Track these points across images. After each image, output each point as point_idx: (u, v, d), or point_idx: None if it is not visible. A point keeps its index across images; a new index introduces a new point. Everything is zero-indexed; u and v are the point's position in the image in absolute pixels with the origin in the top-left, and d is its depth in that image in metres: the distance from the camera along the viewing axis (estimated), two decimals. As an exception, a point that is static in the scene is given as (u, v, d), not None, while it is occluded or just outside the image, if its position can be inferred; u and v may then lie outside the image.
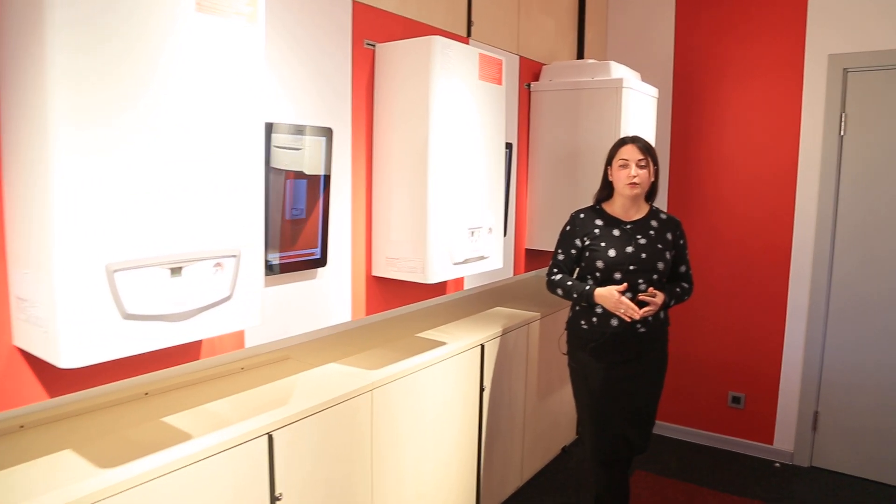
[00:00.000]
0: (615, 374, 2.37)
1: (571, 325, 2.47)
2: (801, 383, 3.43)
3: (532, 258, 3.28)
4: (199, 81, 1.33)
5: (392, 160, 2.17)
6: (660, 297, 2.28)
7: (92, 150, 1.17)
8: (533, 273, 3.63)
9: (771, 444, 3.55)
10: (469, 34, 2.67)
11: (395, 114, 2.15)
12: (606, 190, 2.45)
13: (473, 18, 2.69)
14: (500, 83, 2.41)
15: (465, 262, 2.32)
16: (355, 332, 2.57)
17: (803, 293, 3.39)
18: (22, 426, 1.61)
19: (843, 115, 3.21)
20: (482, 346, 2.65)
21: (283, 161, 1.82)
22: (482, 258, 2.42)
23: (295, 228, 1.89)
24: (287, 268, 1.88)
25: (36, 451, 1.50)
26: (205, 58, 1.34)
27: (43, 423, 1.65)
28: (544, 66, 3.18)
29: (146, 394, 1.86)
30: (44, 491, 1.31)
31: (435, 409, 2.38)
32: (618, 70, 3.00)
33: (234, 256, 1.45)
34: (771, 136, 3.42)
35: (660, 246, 2.36)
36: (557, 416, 3.37)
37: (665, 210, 2.99)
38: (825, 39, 3.23)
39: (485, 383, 2.69)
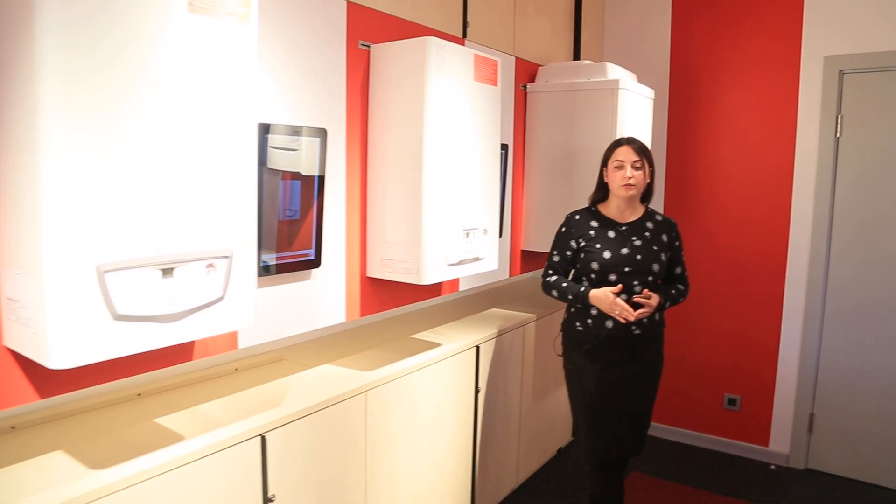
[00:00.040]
0: (610, 376, 2.37)
1: (567, 327, 2.47)
2: (797, 385, 3.43)
3: (528, 259, 3.28)
4: (192, 82, 1.33)
5: (387, 161, 2.17)
6: (655, 299, 2.28)
7: (82, 151, 1.17)
8: (529, 274, 3.63)
9: (767, 446, 3.56)
10: (465, 35, 2.67)
11: (390, 114, 2.15)
12: (602, 191, 2.45)
13: (469, 19, 2.69)
14: (495, 84, 2.41)
15: (460, 263, 2.32)
16: (350, 334, 2.57)
17: (799, 295, 3.39)
18: (14, 427, 1.61)
19: (840, 116, 3.22)
20: (477, 348, 2.65)
21: (277, 162, 1.81)
22: (477, 259, 2.41)
23: (288, 229, 1.89)
24: (281, 269, 1.88)
25: (28, 451, 1.50)
26: (197, 59, 1.34)
27: (35, 423, 1.65)
28: (540, 68, 3.18)
29: (139, 394, 1.86)
30: (36, 491, 1.30)
31: (429, 410, 2.38)
32: (614, 71, 3.00)
33: (227, 257, 1.45)
34: (767, 138, 3.42)
35: (655, 248, 2.36)
36: (553, 417, 3.37)
37: (661, 212, 2.99)
38: (821, 41, 3.23)
39: (480, 385, 2.69)
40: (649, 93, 3.28)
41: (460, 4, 2.64)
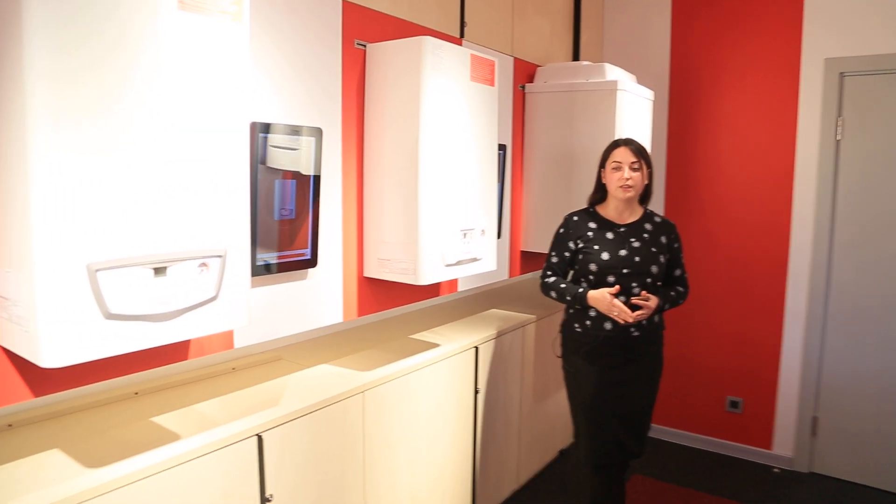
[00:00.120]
0: (609, 378, 2.35)
1: (565, 329, 2.46)
2: (800, 388, 3.41)
3: (527, 260, 3.27)
4: (183, 81, 1.33)
5: (383, 161, 2.17)
6: (653, 301, 2.26)
7: (73, 150, 1.17)
8: (529, 275, 3.62)
9: (770, 449, 3.53)
10: (462, 35, 2.68)
11: (386, 114, 2.15)
12: (600, 192, 2.44)
13: (467, 19, 2.69)
14: (492, 84, 2.41)
15: (458, 263, 2.32)
16: (348, 334, 2.56)
17: (801, 297, 3.37)
18: (10, 425, 1.61)
19: (840, 119, 3.20)
20: (476, 349, 2.64)
21: (275, 161, 1.82)
22: (475, 260, 2.41)
23: (284, 229, 1.89)
24: (276, 268, 1.88)
25: (24, 450, 1.50)
26: (188, 57, 1.34)
27: (31, 422, 1.65)
28: (539, 68, 3.18)
29: (136, 393, 1.86)
30: (31, 490, 1.31)
31: (428, 410, 2.37)
32: (612, 72, 3.00)
33: (220, 256, 1.45)
34: (767, 140, 3.41)
35: (654, 249, 2.35)
36: (554, 419, 3.36)
37: (661, 213, 2.98)
38: (821, 43, 3.22)
39: (479, 385, 2.68)
40: (648, 94, 3.28)
41: (458, 4, 2.64)
